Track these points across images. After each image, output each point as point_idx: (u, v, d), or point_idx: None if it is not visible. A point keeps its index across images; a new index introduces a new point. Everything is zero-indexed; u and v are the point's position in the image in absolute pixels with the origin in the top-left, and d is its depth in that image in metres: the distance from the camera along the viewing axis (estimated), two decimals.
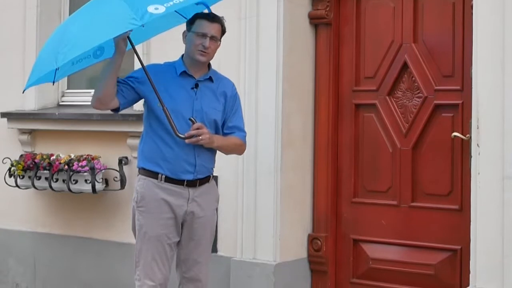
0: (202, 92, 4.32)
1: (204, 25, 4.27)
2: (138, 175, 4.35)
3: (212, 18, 4.30)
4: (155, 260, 4.25)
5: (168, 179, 4.23)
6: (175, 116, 4.17)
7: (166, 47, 5.69)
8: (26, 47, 6.46)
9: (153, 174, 4.24)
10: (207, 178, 4.34)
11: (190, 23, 4.32)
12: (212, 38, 4.27)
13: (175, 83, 4.28)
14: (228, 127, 4.40)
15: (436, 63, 5.04)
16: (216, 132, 4.34)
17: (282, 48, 5.25)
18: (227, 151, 4.45)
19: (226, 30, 4.39)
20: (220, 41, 4.35)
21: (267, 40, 5.27)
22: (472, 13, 4.59)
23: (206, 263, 4.41)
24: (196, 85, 4.31)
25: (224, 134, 4.38)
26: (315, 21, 5.43)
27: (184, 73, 4.31)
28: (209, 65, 4.39)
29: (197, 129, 4.15)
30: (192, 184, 4.27)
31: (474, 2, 4.54)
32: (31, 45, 6.41)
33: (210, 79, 4.36)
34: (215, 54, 4.33)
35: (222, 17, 4.37)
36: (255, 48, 5.30)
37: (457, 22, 4.94)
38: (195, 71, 4.33)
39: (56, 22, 6.50)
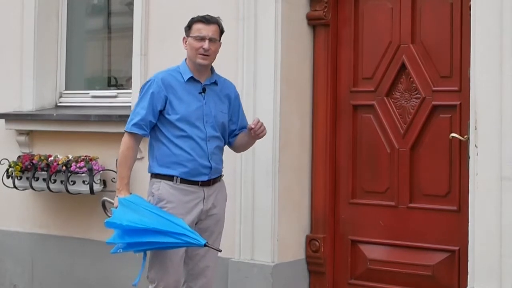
0: (209, 96, 4.42)
1: (201, 28, 4.35)
2: (150, 179, 4.43)
3: (208, 20, 4.38)
4: (171, 262, 4.32)
5: (184, 180, 4.31)
6: (187, 123, 4.28)
7: (164, 47, 5.70)
8: (24, 47, 6.45)
9: (168, 177, 4.33)
10: (218, 178, 4.46)
11: (188, 28, 4.37)
12: (211, 40, 4.32)
13: (183, 90, 4.37)
14: (240, 128, 4.57)
15: (434, 64, 5.04)
16: (223, 134, 4.45)
17: (280, 49, 5.24)
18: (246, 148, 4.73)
19: (224, 29, 4.43)
20: (220, 41, 4.40)
21: (265, 41, 5.27)
22: (470, 14, 4.59)
23: (213, 260, 4.48)
24: (204, 90, 4.37)
25: (235, 135, 4.57)
26: (313, 22, 5.43)
27: (191, 79, 4.38)
28: (211, 68, 4.43)
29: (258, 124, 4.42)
30: (206, 183, 4.36)
31: (472, 3, 4.54)
32: (29, 45, 6.41)
33: (215, 82, 4.44)
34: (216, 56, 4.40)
35: (218, 17, 4.43)
36: (253, 49, 5.30)
37: (455, 23, 4.94)
38: (200, 75, 4.40)
39: (54, 22, 6.50)
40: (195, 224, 4.36)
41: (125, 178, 4.33)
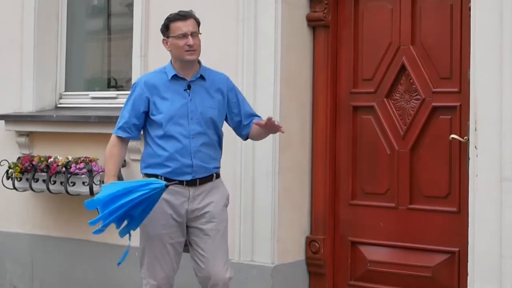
0: (195, 92, 4.41)
1: (180, 26, 4.37)
2: (142, 177, 4.48)
3: (184, 15, 4.41)
4: (158, 259, 4.35)
5: (168, 180, 4.30)
6: (170, 121, 4.28)
7: (163, 49, 5.68)
8: (24, 49, 6.45)
9: (154, 176, 4.35)
10: (208, 177, 4.42)
11: (166, 29, 4.39)
12: (192, 34, 4.35)
13: (167, 89, 4.39)
14: (246, 117, 4.54)
15: (434, 65, 5.04)
16: (215, 130, 4.43)
17: (280, 50, 5.24)
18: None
19: (199, 21, 4.46)
20: (201, 33, 4.43)
21: (265, 42, 5.27)
22: (470, 15, 4.59)
23: (217, 258, 4.38)
24: (189, 86, 4.37)
25: (245, 125, 4.53)
26: (313, 23, 5.43)
27: (175, 76, 4.39)
28: (199, 63, 4.44)
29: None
30: (192, 183, 4.35)
31: (472, 4, 4.54)
32: (29, 46, 6.41)
33: (202, 77, 4.43)
34: (201, 49, 4.42)
35: (190, 10, 4.45)
36: (253, 50, 5.30)
37: (455, 24, 4.94)
38: (186, 72, 4.42)
39: (54, 24, 6.50)
40: (188, 224, 4.38)
41: (111, 171, 4.40)
